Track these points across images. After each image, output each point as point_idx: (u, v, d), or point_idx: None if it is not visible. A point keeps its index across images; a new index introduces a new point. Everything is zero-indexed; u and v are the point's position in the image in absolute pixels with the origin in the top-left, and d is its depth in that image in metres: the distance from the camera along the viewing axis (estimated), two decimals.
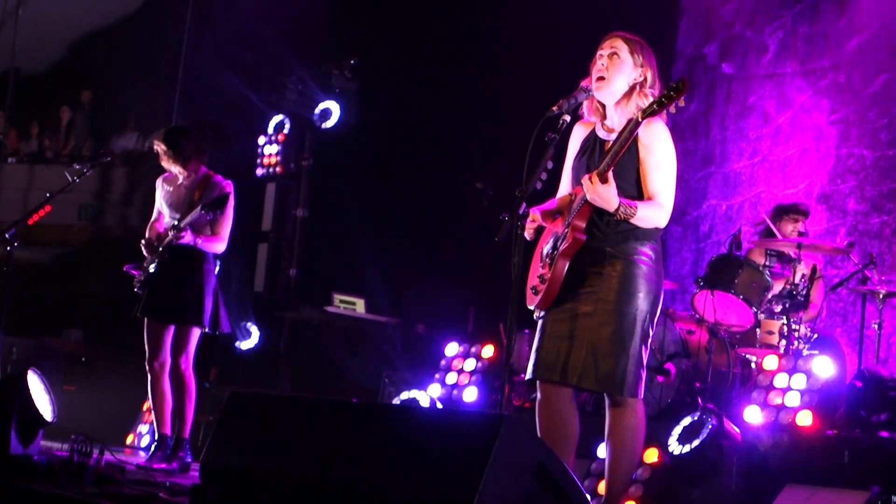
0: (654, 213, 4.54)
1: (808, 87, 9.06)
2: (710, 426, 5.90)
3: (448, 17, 10.21)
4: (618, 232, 4.57)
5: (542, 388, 4.69)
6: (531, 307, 4.70)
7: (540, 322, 4.72)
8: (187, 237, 6.57)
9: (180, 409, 6.69)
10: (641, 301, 4.55)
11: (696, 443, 5.89)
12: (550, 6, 9.39)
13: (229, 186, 6.79)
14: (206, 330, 6.71)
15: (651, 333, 4.62)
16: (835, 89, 8.86)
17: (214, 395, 8.45)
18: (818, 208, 8.66)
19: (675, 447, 5.96)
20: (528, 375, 4.68)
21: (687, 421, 6.05)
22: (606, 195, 4.41)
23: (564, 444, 4.59)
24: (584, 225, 4.55)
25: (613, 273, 4.55)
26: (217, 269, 6.87)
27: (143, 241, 6.80)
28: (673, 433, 6.04)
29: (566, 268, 4.55)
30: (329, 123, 10.57)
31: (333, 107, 10.57)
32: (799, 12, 9.27)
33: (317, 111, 10.57)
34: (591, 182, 4.40)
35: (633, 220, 4.49)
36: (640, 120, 4.43)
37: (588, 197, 4.44)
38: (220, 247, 6.75)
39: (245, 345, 10.27)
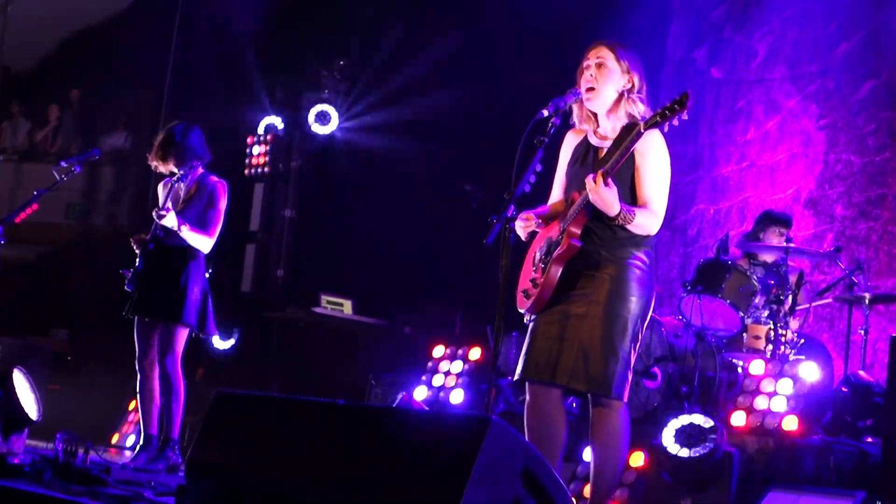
0: (649, 221, 4.56)
1: (797, 92, 9.08)
2: (715, 437, 5.88)
3: (438, 19, 10.22)
4: (615, 238, 4.59)
5: (532, 391, 4.70)
6: (522, 311, 4.72)
7: (531, 324, 4.73)
8: (170, 218, 6.54)
9: (168, 409, 6.67)
10: (633, 305, 4.57)
11: (699, 450, 5.86)
12: (542, 9, 9.40)
13: (220, 185, 6.80)
14: (193, 330, 6.70)
15: (640, 337, 4.64)
16: (823, 94, 8.88)
17: (201, 395, 8.43)
18: (805, 213, 8.68)
19: (671, 447, 5.92)
20: (518, 376, 4.69)
21: (684, 421, 6.01)
22: (609, 198, 4.42)
23: (552, 447, 4.59)
24: (579, 231, 4.57)
25: (606, 276, 4.57)
26: (209, 271, 6.86)
27: (133, 237, 6.81)
28: (667, 430, 5.99)
29: (559, 273, 4.57)
30: (328, 129, 10.57)
31: (332, 111, 10.57)
32: (788, 17, 9.29)
33: (315, 115, 10.56)
34: (596, 183, 4.41)
35: (629, 226, 4.52)
36: (642, 131, 4.42)
37: (591, 197, 4.44)
38: (207, 243, 6.72)
39: (222, 344, 10.25)
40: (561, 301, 4.61)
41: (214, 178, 6.84)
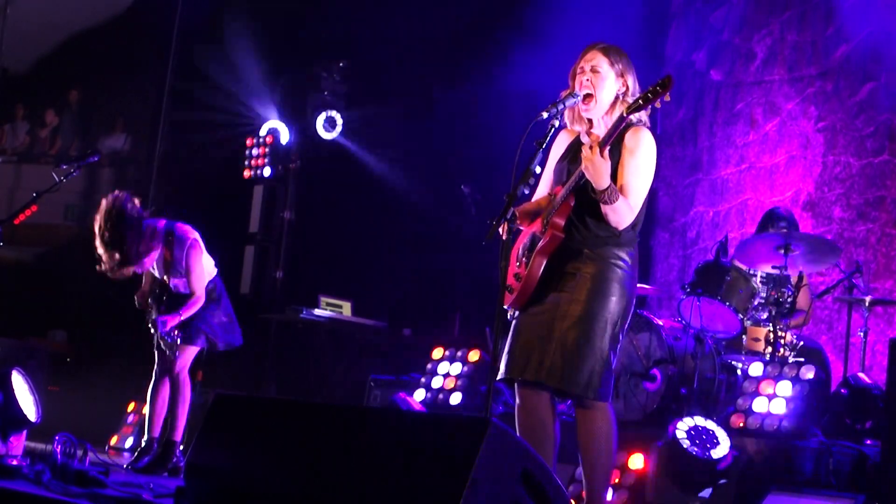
0: (626, 210, 4.56)
1: (796, 95, 9.08)
2: (728, 440, 5.87)
3: (436, 20, 10.21)
4: (598, 235, 4.59)
5: (521, 393, 4.69)
6: (506, 307, 4.70)
7: (514, 322, 4.72)
8: (173, 324, 6.53)
9: (173, 412, 6.71)
10: (614, 305, 4.57)
11: (716, 451, 5.84)
12: (542, 10, 9.40)
13: (196, 245, 6.66)
14: (215, 348, 6.78)
15: (621, 338, 4.64)
16: (822, 97, 8.88)
17: (200, 397, 8.43)
18: (804, 215, 8.67)
19: (684, 441, 5.89)
20: (500, 375, 4.69)
21: (690, 423, 5.99)
22: (603, 168, 4.41)
23: (543, 448, 4.58)
24: (563, 223, 4.57)
25: (588, 274, 4.57)
26: (215, 270, 6.86)
27: (138, 303, 6.81)
28: (680, 431, 5.97)
29: (543, 265, 4.57)
30: (334, 134, 10.56)
31: (337, 117, 10.57)
32: (787, 20, 9.30)
33: (322, 120, 10.55)
34: (592, 151, 4.41)
35: (606, 208, 4.50)
36: (625, 115, 4.47)
37: (584, 165, 4.44)
38: (200, 303, 6.69)
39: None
40: (545, 300, 4.61)
41: (187, 234, 6.65)
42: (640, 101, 4.44)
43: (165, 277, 6.67)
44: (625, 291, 4.59)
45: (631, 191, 4.57)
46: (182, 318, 6.58)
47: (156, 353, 6.80)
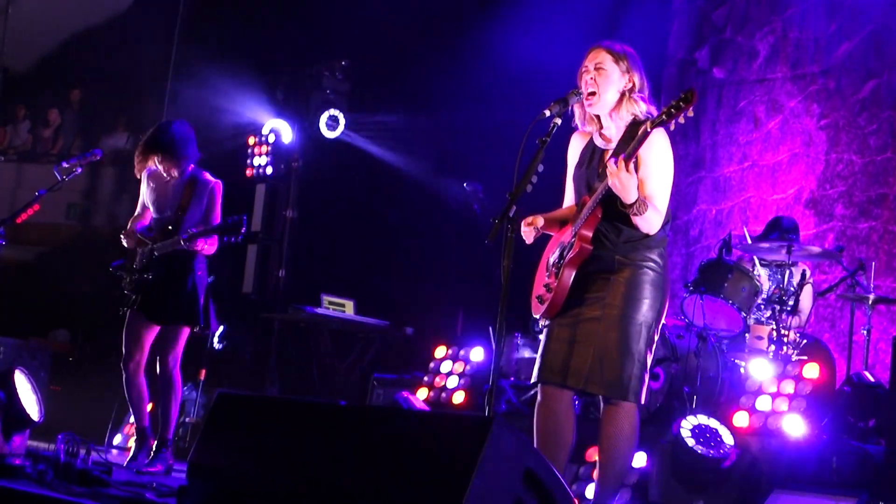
0: (656, 217, 4.55)
1: (798, 92, 9.08)
2: (732, 440, 5.87)
3: (438, 18, 10.20)
4: (628, 240, 4.59)
5: (543, 391, 4.70)
6: (537, 316, 4.71)
7: (546, 328, 4.73)
8: (199, 246, 6.49)
9: (165, 410, 6.60)
10: (648, 308, 4.57)
11: (721, 450, 5.83)
12: (544, 10, 9.39)
13: (218, 186, 6.73)
14: (199, 327, 6.65)
15: (656, 339, 4.64)
16: (824, 94, 8.88)
17: (203, 396, 8.43)
18: (806, 213, 8.67)
19: (697, 447, 5.89)
20: (533, 379, 4.71)
21: (694, 422, 5.98)
22: (630, 183, 4.40)
23: (559, 448, 4.60)
24: (590, 235, 4.57)
25: (621, 279, 4.57)
26: (211, 275, 6.82)
27: (124, 233, 6.73)
28: (684, 430, 5.96)
29: (572, 277, 4.57)
30: (337, 132, 10.56)
31: (340, 116, 10.57)
32: (789, 17, 9.29)
33: (324, 119, 10.55)
34: (618, 167, 4.38)
35: (636, 218, 4.48)
36: (649, 130, 4.42)
37: (610, 181, 4.42)
38: (214, 248, 6.69)
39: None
40: (574, 304, 4.62)
41: (210, 178, 6.75)
42: (664, 117, 4.40)
43: (179, 213, 6.59)
44: (658, 293, 4.60)
45: (655, 197, 4.56)
46: (205, 248, 6.53)
47: (123, 345, 6.67)
